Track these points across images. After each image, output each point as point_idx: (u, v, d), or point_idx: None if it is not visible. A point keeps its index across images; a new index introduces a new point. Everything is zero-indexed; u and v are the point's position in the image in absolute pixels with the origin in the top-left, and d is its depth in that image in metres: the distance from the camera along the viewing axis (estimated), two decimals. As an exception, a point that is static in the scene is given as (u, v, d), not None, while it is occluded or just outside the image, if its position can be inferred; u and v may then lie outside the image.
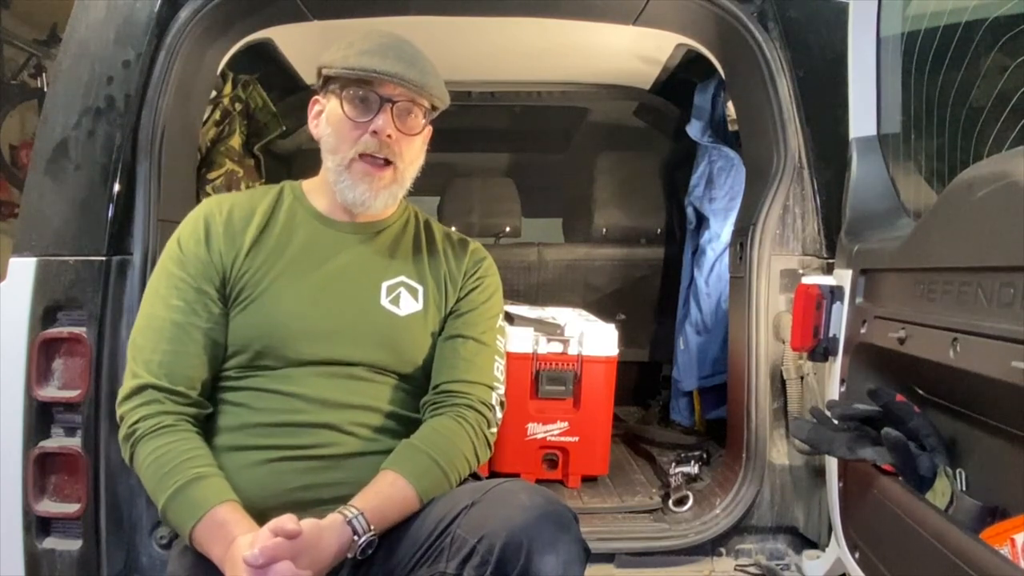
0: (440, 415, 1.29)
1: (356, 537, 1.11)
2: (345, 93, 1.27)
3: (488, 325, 1.39)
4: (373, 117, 1.26)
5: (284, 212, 1.35)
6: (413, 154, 1.32)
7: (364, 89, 1.26)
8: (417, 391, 1.34)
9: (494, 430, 1.34)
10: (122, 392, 1.23)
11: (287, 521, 1.05)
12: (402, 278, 1.35)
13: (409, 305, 1.34)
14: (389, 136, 1.26)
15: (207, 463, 1.18)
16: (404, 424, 1.30)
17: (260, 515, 1.14)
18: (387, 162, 1.29)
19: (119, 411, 1.23)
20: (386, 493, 1.17)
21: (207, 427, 1.26)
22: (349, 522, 1.11)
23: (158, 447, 1.17)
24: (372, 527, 1.12)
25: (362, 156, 1.27)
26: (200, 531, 1.11)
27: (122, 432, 1.22)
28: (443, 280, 1.38)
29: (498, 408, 1.35)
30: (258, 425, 1.24)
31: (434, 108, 1.33)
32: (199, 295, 1.26)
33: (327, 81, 1.30)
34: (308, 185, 1.40)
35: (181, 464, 1.16)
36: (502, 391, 1.37)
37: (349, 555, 1.11)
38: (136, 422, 1.20)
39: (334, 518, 1.11)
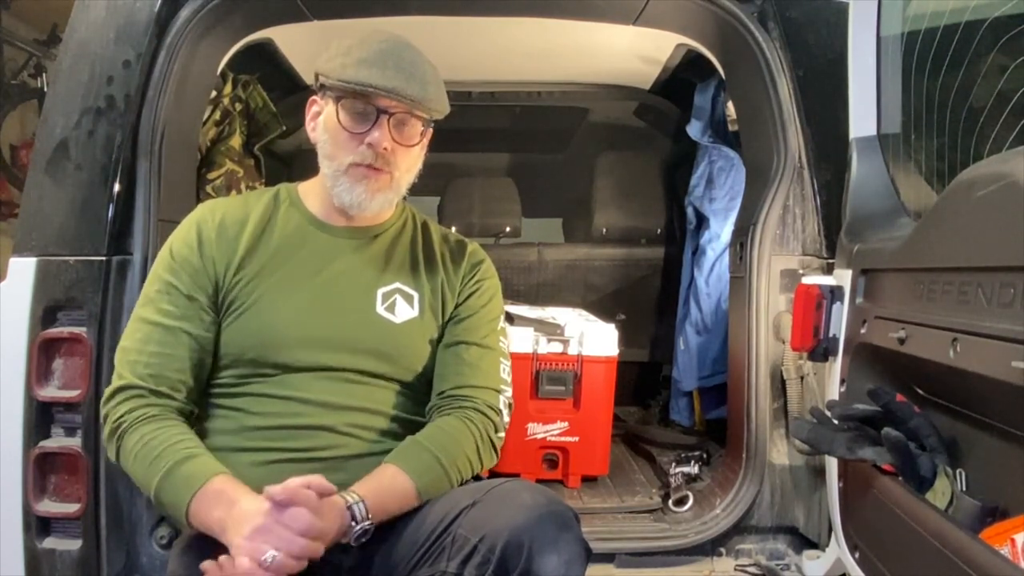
0: (447, 415, 1.29)
1: (353, 523, 1.11)
2: (342, 103, 1.25)
3: (490, 328, 1.38)
4: (369, 129, 1.24)
5: (280, 218, 1.34)
6: (410, 162, 1.31)
7: (361, 101, 1.24)
8: (415, 395, 1.34)
9: (501, 435, 1.33)
10: (106, 393, 1.24)
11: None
12: (397, 284, 1.34)
13: (405, 312, 1.33)
14: (385, 148, 1.25)
15: (196, 444, 1.18)
16: (403, 426, 1.30)
17: None
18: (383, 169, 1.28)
19: (103, 411, 1.23)
20: (386, 486, 1.17)
21: (204, 432, 1.26)
22: (349, 507, 1.11)
23: (144, 435, 1.17)
24: (370, 516, 1.12)
25: (357, 164, 1.27)
26: (197, 502, 1.11)
27: (106, 429, 1.22)
28: (440, 285, 1.37)
29: (505, 411, 1.35)
30: (256, 428, 1.24)
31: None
32: (190, 302, 1.25)
33: (325, 85, 1.29)
34: (304, 188, 1.39)
35: (171, 447, 1.15)
36: (509, 393, 1.37)
37: (343, 540, 1.11)
38: (120, 416, 1.20)
39: (336, 500, 1.11)
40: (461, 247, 1.44)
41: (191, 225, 1.31)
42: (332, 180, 1.29)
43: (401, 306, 1.33)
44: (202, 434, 1.25)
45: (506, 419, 1.35)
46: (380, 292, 1.33)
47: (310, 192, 1.38)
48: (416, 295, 1.35)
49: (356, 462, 1.23)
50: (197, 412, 1.28)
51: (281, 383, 1.25)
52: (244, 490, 1.11)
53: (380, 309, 1.31)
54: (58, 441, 1.52)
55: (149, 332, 1.24)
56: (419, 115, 1.28)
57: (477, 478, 1.34)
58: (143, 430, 1.18)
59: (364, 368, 1.28)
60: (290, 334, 1.26)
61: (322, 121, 1.30)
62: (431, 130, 1.34)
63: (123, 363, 1.24)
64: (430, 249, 1.41)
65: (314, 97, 1.34)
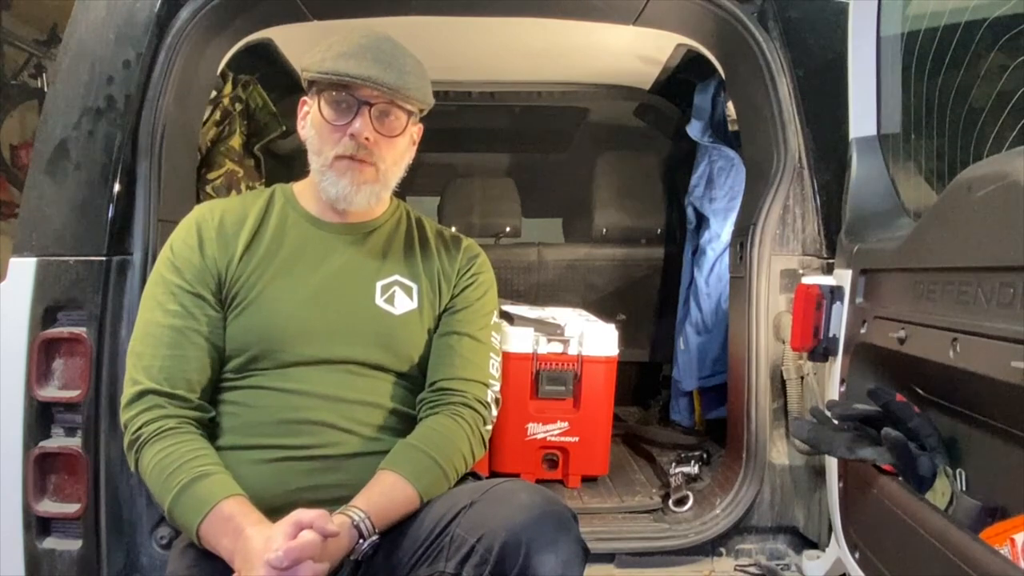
0: (437, 414, 1.29)
1: (361, 540, 1.11)
2: (324, 96, 1.27)
3: (483, 322, 1.39)
4: (351, 120, 1.26)
5: (275, 216, 1.35)
6: (396, 155, 1.32)
7: (341, 92, 1.25)
8: (414, 388, 1.34)
9: (489, 428, 1.34)
10: (124, 399, 1.23)
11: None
12: (396, 277, 1.35)
13: (404, 304, 1.34)
14: (367, 139, 1.25)
15: (212, 461, 1.18)
16: (403, 420, 1.30)
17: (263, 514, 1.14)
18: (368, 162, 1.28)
19: (122, 419, 1.23)
20: (389, 495, 1.17)
21: (206, 429, 1.26)
22: (356, 525, 1.11)
23: (162, 450, 1.17)
24: (376, 530, 1.12)
25: (341, 156, 1.27)
26: (207, 527, 1.11)
27: (126, 440, 1.22)
28: (436, 277, 1.38)
29: (493, 405, 1.36)
30: (258, 424, 1.24)
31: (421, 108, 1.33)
32: (197, 300, 1.26)
33: (311, 83, 1.30)
34: (299, 187, 1.40)
35: (185, 464, 1.15)
36: (497, 388, 1.38)
37: (351, 557, 1.11)
38: (139, 428, 1.19)
39: (341, 520, 1.11)
40: (456, 241, 1.46)
41: (190, 225, 1.31)
42: (319, 175, 1.30)
43: (400, 298, 1.34)
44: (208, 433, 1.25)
45: (494, 413, 1.36)
46: (379, 284, 1.34)
47: (304, 191, 1.39)
48: (415, 286, 1.36)
49: (353, 461, 1.23)
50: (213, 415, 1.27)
51: (281, 376, 1.25)
52: (253, 517, 1.10)
53: (379, 301, 1.32)
54: (58, 441, 1.52)
55: (160, 334, 1.24)
56: (402, 106, 1.28)
57: (476, 477, 1.35)
58: (159, 445, 1.17)
59: (364, 360, 1.29)
60: (291, 328, 1.26)
61: (309, 119, 1.32)
62: (420, 125, 1.34)
63: (137, 368, 1.23)
64: (425, 242, 1.42)
65: (305, 98, 1.35)
